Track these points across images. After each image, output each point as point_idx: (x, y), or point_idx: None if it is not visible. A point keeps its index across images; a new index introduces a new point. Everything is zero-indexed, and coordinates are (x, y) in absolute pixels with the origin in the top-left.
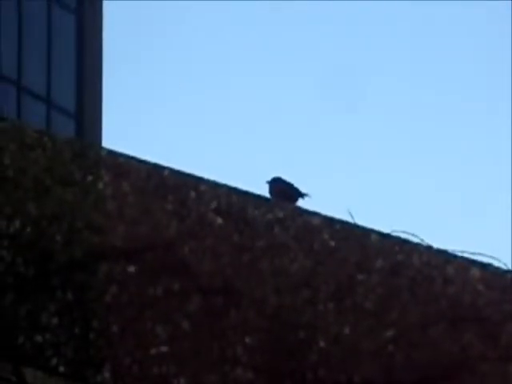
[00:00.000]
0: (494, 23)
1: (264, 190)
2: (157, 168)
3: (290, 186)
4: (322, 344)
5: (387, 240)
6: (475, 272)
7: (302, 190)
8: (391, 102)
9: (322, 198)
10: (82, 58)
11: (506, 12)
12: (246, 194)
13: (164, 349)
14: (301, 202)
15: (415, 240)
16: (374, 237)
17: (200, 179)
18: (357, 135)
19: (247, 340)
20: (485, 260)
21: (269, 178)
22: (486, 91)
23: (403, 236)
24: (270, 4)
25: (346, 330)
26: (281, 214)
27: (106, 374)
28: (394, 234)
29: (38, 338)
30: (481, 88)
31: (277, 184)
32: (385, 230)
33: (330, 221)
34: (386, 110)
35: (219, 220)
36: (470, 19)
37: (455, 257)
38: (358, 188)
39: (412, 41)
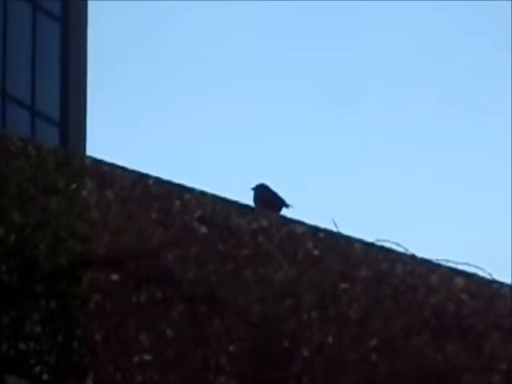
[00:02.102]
0: (494, 23)
1: (249, 199)
2: (141, 177)
3: (274, 194)
4: (305, 353)
5: (371, 249)
6: (459, 281)
7: (287, 199)
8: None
9: (306, 207)
10: (67, 66)
11: (506, 12)
12: (231, 202)
13: (147, 357)
14: (285, 211)
15: (399, 249)
16: (357, 246)
17: (184, 188)
18: (341, 146)
19: (231, 348)
20: (469, 269)
21: (253, 186)
22: (485, 92)
23: (387, 245)
24: (270, 4)
25: (330, 339)
26: (265, 223)
27: (89, 382)
28: (378, 243)
29: (22, 346)
30: (480, 90)
31: (261, 191)
32: (369, 239)
33: (314, 230)
34: (376, 116)
35: (203, 229)
36: (470, 19)
37: (439, 266)
38: (342, 197)
39: (412, 41)
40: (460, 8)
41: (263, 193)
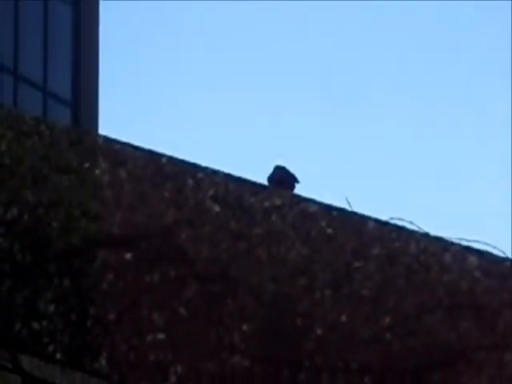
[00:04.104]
0: (494, 23)
1: (261, 178)
2: (154, 155)
3: (291, 175)
4: (318, 331)
5: (384, 227)
6: (473, 259)
7: (299, 177)
8: (392, 92)
9: (319, 186)
10: (79, 46)
11: (506, 12)
12: (244, 181)
13: (161, 336)
14: (298, 190)
15: (412, 227)
16: (371, 224)
17: (198, 167)
18: (356, 124)
19: (244, 327)
20: (482, 248)
21: (267, 166)
22: (485, 91)
23: (400, 223)
24: (270, 4)
25: (343, 318)
26: (278, 202)
27: (103, 361)
28: (391, 221)
29: (35, 326)
30: (480, 86)
31: (278, 173)
32: (382, 217)
33: (328, 208)
34: (385, 100)
35: (216, 207)
36: (469, 19)
37: (452, 244)
38: (355, 175)
39: (411, 41)
40: (460, 8)
41: (280, 175)
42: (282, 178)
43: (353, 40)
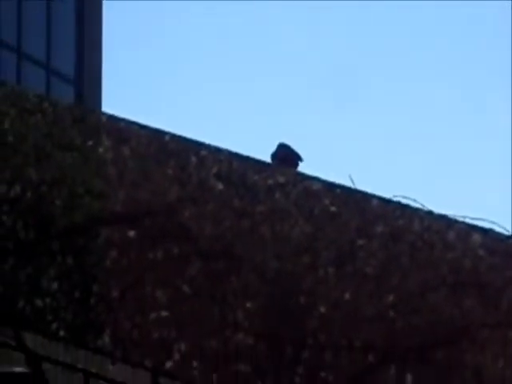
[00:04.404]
0: (494, 23)
1: (265, 156)
2: (158, 133)
3: (294, 153)
4: (322, 309)
5: (388, 205)
6: (476, 237)
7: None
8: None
9: (322, 163)
10: (82, 24)
11: (506, 12)
12: (247, 159)
13: (164, 313)
14: (302, 167)
15: (416, 205)
16: (374, 202)
17: (201, 144)
18: (359, 102)
19: (248, 305)
20: (486, 225)
21: (271, 143)
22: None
23: (404, 201)
24: (270, 4)
25: (347, 296)
26: (282, 180)
27: (106, 339)
28: (395, 199)
29: (38, 303)
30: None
31: (281, 150)
32: (385, 195)
33: (331, 186)
34: (388, 82)
35: (220, 185)
36: (469, 19)
37: (456, 222)
38: (358, 153)
39: (411, 40)
40: (460, 8)
41: (284, 152)
42: (286, 156)
43: (352, 39)
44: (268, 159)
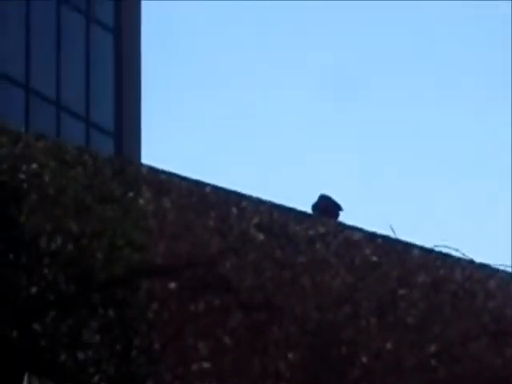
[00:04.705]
0: (494, 23)
1: (306, 206)
2: (198, 184)
3: (335, 204)
4: (364, 359)
5: (429, 255)
6: None
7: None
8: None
9: (363, 213)
10: (121, 76)
11: (505, 12)
12: (288, 209)
13: (206, 365)
14: (342, 217)
15: (457, 254)
16: (415, 252)
17: (242, 195)
18: (396, 151)
19: (289, 356)
20: None
21: (311, 194)
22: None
23: (445, 251)
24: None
25: (389, 345)
26: (322, 230)
27: None
28: (436, 248)
29: (80, 355)
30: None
31: (322, 201)
32: (426, 244)
33: (372, 236)
34: (422, 118)
35: (261, 236)
36: (469, 19)
37: (497, 271)
38: (399, 203)
39: (411, 40)
40: (460, 8)
41: (325, 204)
42: (327, 207)
43: (352, 40)
44: (309, 210)
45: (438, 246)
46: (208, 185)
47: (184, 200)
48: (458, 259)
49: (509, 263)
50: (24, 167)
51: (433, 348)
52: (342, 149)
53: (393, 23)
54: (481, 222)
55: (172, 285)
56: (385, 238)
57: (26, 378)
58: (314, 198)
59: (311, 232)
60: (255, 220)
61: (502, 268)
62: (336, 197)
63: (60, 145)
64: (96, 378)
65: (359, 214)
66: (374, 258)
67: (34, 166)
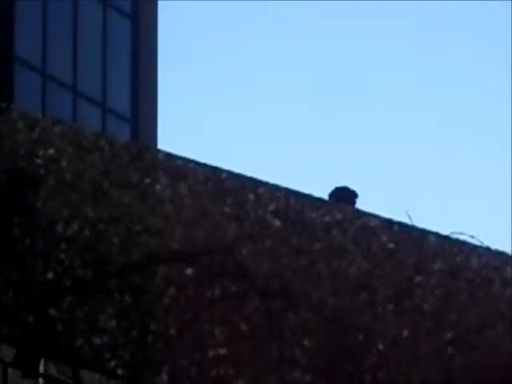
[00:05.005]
0: (494, 23)
1: (322, 193)
2: (215, 171)
3: (351, 192)
4: (380, 346)
5: (445, 242)
6: None
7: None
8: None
9: (380, 200)
10: (137, 62)
11: (506, 12)
12: (304, 196)
13: (222, 351)
14: (359, 204)
15: (474, 242)
16: (432, 239)
17: (258, 182)
18: (414, 138)
19: (305, 342)
20: None
21: (328, 180)
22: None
23: (461, 238)
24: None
25: (405, 333)
26: (339, 216)
27: (164, 377)
28: (453, 235)
29: (96, 341)
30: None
31: (338, 190)
32: (443, 231)
33: (388, 223)
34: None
35: (277, 222)
36: (469, 19)
37: None
38: (416, 190)
39: (410, 40)
40: (459, 7)
41: (340, 191)
42: (342, 195)
43: (350, 40)
44: (325, 197)
45: (454, 233)
46: (224, 171)
47: (200, 186)
48: (475, 246)
49: None
50: (41, 152)
51: (449, 335)
52: (358, 136)
53: (394, 23)
54: (497, 209)
55: (189, 271)
56: (401, 224)
57: (42, 363)
58: (331, 185)
59: (327, 218)
60: (271, 207)
61: None
62: (352, 184)
63: (77, 130)
64: (112, 364)
65: (376, 200)
66: (391, 245)
67: (51, 151)
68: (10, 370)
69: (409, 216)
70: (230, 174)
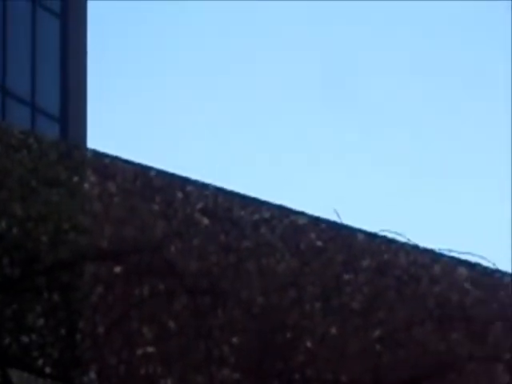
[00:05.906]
0: (494, 23)
1: (251, 190)
2: (143, 169)
3: None
4: (308, 344)
5: (374, 239)
6: (462, 271)
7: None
8: (383, 100)
9: (308, 198)
10: (67, 61)
11: (506, 12)
12: (233, 194)
13: (150, 349)
14: (287, 202)
15: (402, 239)
16: (360, 236)
17: (186, 180)
18: (343, 136)
19: (234, 340)
20: (472, 259)
21: (256, 178)
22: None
23: (390, 235)
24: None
25: (333, 330)
26: (267, 214)
27: (92, 375)
28: (381, 233)
29: (24, 339)
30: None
31: None
32: (371, 229)
33: (317, 221)
34: (375, 109)
35: (206, 220)
36: (469, 19)
37: (442, 256)
38: (344, 188)
39: (409, 40)
40: (459, 8)
41: None
42: None
43: (350, 40)
44: (254, 194)
45: (382, 230)
46: (153, 169)
47: (129, 184)
48: (403, 244)
49: (453, 248)
50: None
51: (377, 333)
52: (280, 132)
53: (393, 23)
54: (425, 207)
55: (117, 269)
56: (330, 222)
57: None
58: (260, 182)
59: (256, 216)
60: (200, 204)
61: (446, 253)
62: (281, 180)
63: (5, 128)
64: (40, 362)
65: (304, 198)
66: (319, 243)
67: None
68: None
69: (337, 214)
70: (159, 171)
